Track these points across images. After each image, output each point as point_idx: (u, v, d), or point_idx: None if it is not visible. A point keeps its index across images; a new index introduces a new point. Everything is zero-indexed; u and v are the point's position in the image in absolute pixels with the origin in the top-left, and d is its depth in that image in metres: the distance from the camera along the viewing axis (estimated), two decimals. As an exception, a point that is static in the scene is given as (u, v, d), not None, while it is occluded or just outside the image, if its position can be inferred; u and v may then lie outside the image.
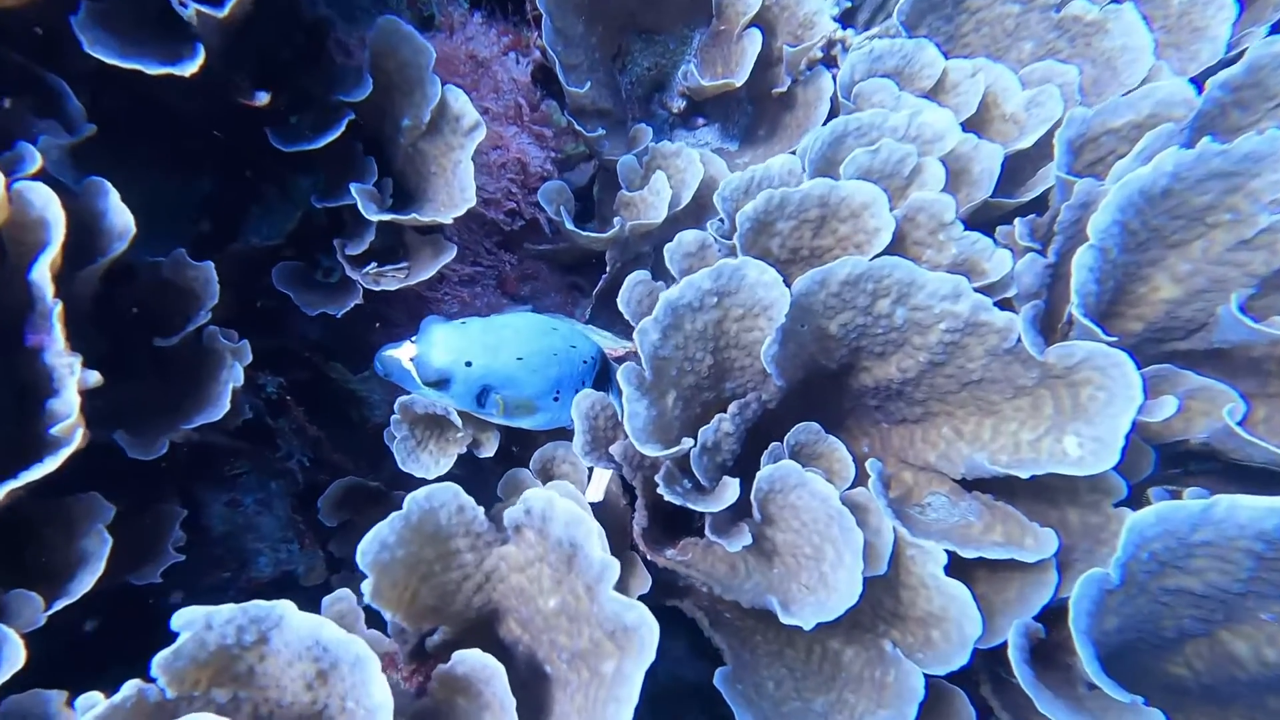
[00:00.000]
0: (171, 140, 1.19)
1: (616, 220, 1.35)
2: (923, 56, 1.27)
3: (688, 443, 0.84)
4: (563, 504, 0.62)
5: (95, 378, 0.62)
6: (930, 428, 1.07)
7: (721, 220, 1.11)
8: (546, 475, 1.13)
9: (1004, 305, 0.88)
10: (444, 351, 0.93)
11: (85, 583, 0.62)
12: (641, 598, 1.07)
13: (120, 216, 0.70)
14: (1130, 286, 0.93)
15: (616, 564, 0.57)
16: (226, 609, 0.52)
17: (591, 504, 1.02)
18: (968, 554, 0.85)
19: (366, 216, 1.01)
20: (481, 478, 1.33)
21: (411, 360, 0.93)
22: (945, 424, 1.04)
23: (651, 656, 0.53)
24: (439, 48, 1.58)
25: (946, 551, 0.86)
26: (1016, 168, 1.24)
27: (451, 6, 1.68)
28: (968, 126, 1.13)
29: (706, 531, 0.86)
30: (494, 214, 1.60)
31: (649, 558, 1.04)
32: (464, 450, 1.06)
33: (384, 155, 1.18)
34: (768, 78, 1.61)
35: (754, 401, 0.97)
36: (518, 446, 1.31)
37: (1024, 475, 0.84)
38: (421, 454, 1.03)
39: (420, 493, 0.61)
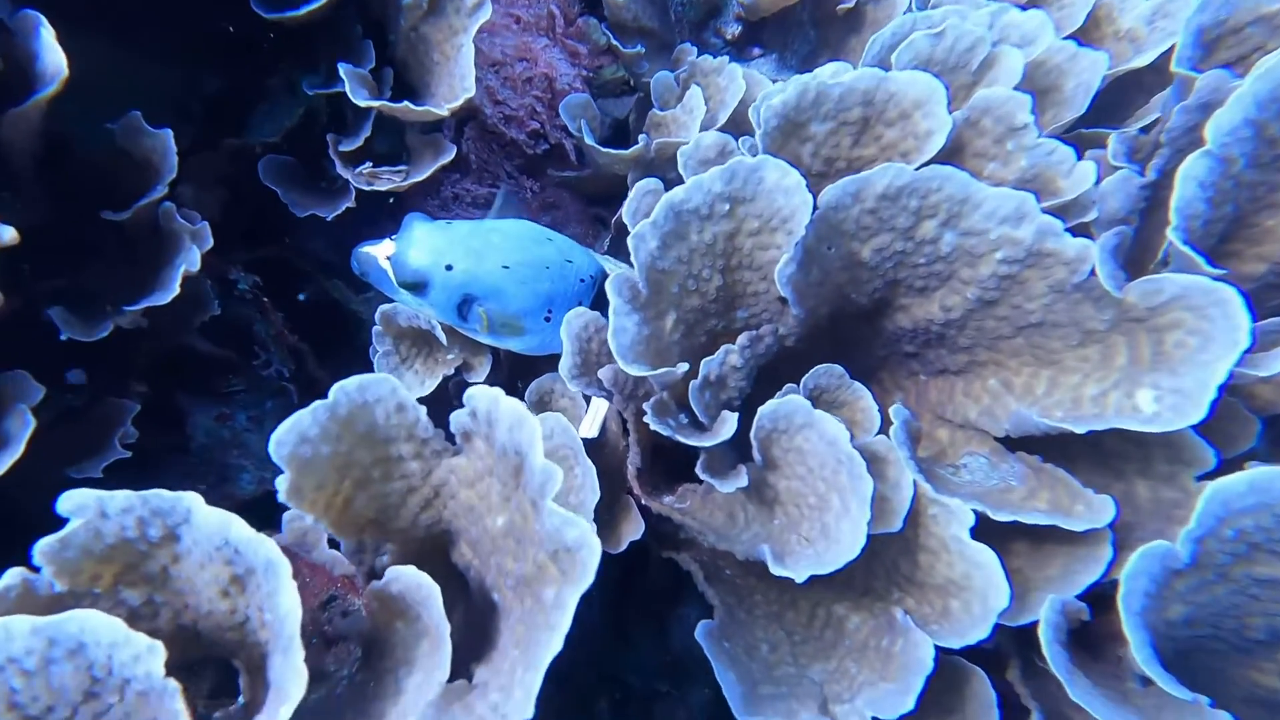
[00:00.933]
0: (179, 32, 1.13)
1: (641, 138, 1.24)
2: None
3: (682, 367, 0.74)
4: (507, 403, 0.54)
5: (10, 234, 0.56)
6: (974, 379, 0.94)
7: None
8: (543, 409, 1.06)
9: (1080, 232, 0.74)
10: (423, 251, 0.85)
11: (2, 463, 0.58)
12: (635, 543, 1.01)
13: (52, 55, 0.63)
14: (1255, 216, 0.77)
15: (558, 472, 0.49)
16: (123, 495, 0.47)
17: (585, 440, 0.94)
18: (1000, 517, 0.73)
19: (355, 101, 0.92)
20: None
21: (388, 259, 0.85)
22: (992, 375, 0.91)
23: (590, 579, 0.45)
24: None
25: (976, 514, 0.76)
26: (1124, 99, 1.07)
27: None
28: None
29: (698, 469, 0.77)
30: (516, 133, 1.50)
31: (644, 502, 0.97)
32: (451, 373, 0.99)
33: (386, 44, 1.09)
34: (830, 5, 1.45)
35: (769, 335, 0.86)
36: (522, 381, 1.25)
37: (1080, 430, 0.71)
38: (405, 372, 0.97)
39: (350, 382, 0.54)
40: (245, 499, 1.22)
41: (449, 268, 0.86)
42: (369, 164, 1.07)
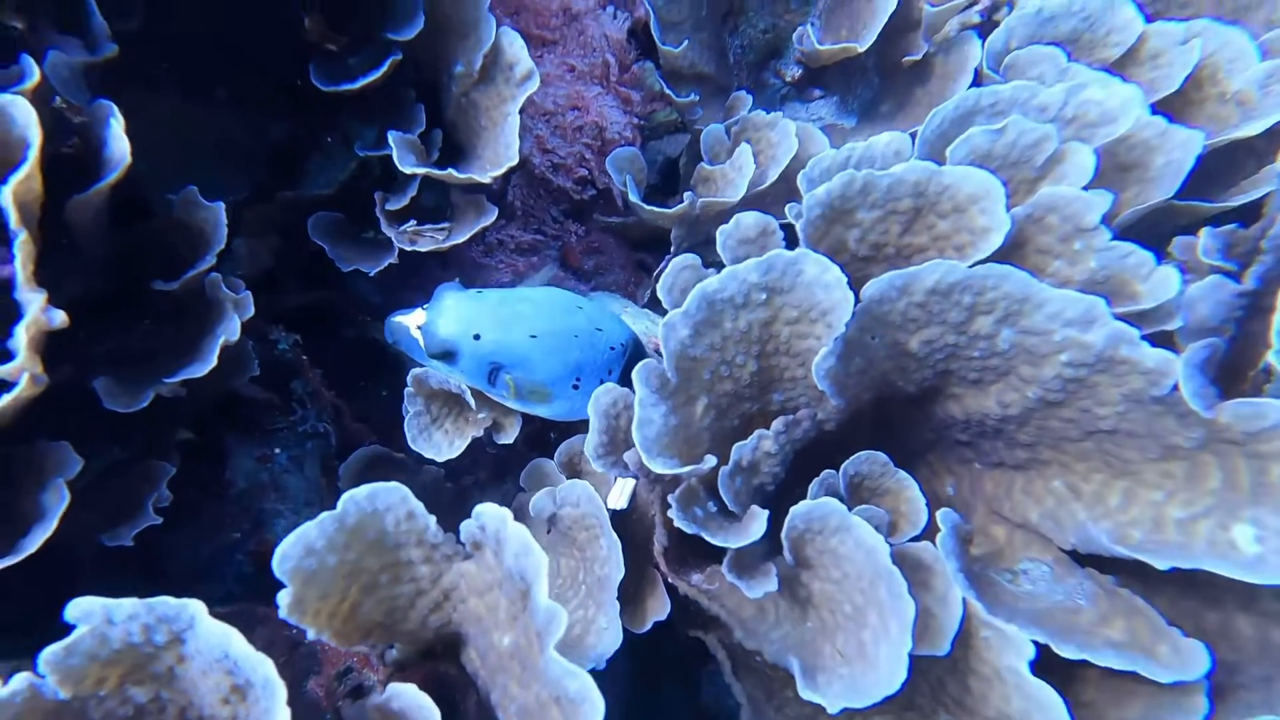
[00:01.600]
0: (248, 83, 1.19)
1: (687, 195, 1.22)
2: (1113, 18, 1.03)
3: (710, 460, 0.71)
4: (515, 529, 0.52)
5: (60, 318, 0.58)
6: (1035, 477, 0.88)
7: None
8: (572, 470, 1.04)
9: (1160, 342, 0.67)
10: (452, 321, 0.86)
11: (35, 540, 0.60)
12: (660, 624, 0.97)
13: (118, 144, 0.66)
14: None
15: (562, 616, 0.46)
16: (129, 604, 0.47)
17: (613, 511, 0.92)
18: (1067, 653, 0.67)
19: (401, 169, 0.94)
20: (511, 461, 1.27)
21: (419, 328, 0.86)
22: (1057, 476, 0.84)
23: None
24: None
25: (1036, 644, 0.69)
26: (1226, 166, 0.98)
27: None
28: (1161, 108, 0.90)
29: (724, 567, 0.74)
30: (563, 180, 1.51)
31: (670, 581, 0.93)
32: (480, 433, 0.99)
33: (439, 106, 1.11)
34: (901, 44, 1.41)
35: (806, 419, 0.82)
36: (556, 433, 1.24)
37: (1161, 566, 0.64)
38: (435, 432, 0.97)
39: (360, 491, 0.53)
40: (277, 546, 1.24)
41: (477, 337, 0.87)
42: (413, 222, 1.09)
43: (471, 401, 0.94)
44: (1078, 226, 0.70)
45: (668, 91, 1.51)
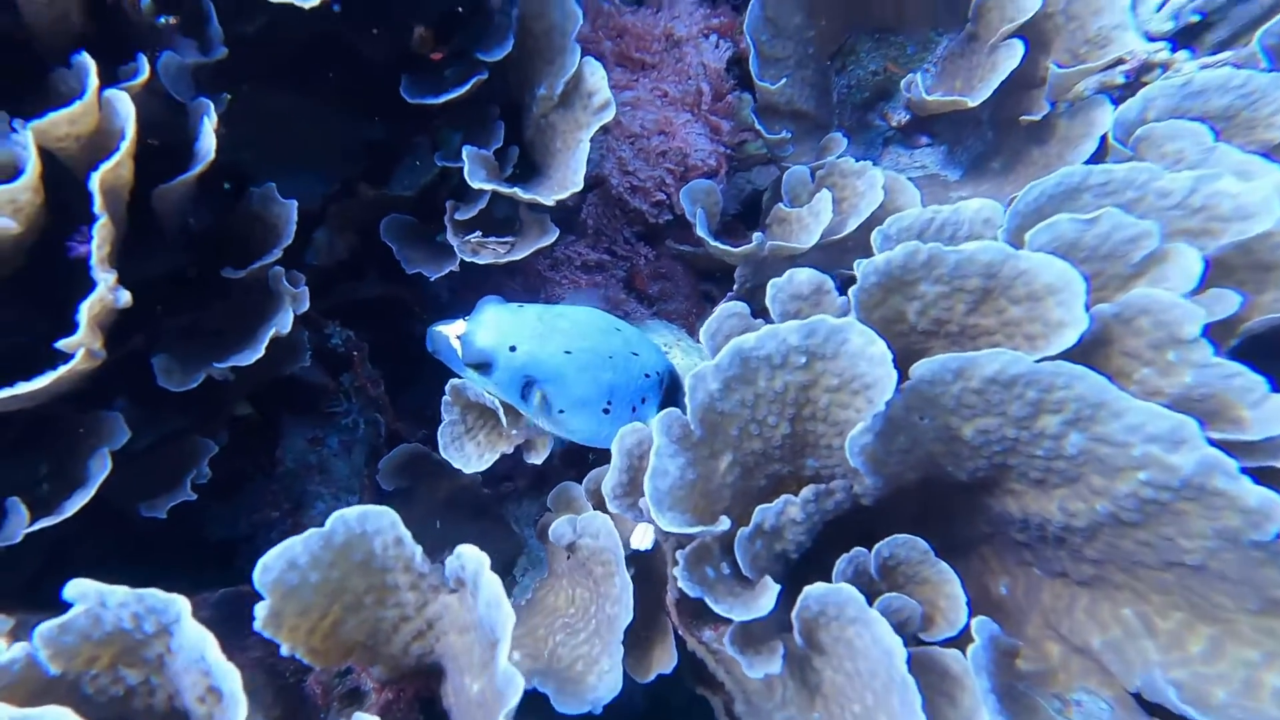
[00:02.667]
0: (354, 85, 1.26)
1: (756, 236, 1.19)
2: (1277, 95, 0.93)
3: (723, 523, 0.68)
4: (489, 578, 0.51)
5: (126, 299, 0.63)
6: (1102, 599, 0.78)
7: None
8: (599, 499, 1.03)
9: (1266, 480, 0.59)
10: (490, 332, 0.88)
11: (74, 504, 0.64)
12: (663, 677, 0.94)
13: (207, 140, 0.71)
14: None
15: (518, 685, 0.44)
16: (122, 591, 0.50)
17: (636, 551, 0.90)
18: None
19: (469, 182, 0.97)
20: (550, 474, 1.27)
21: (458, 338, 0.88)
22: (1128, 604, 0.75)
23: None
24: (637, 22, 1.53)
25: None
26: None
27: None
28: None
29: (726, 640, 0.70)
30: (640, 203, 1.51)
31: (680, 634, 0.90)
32: (510, 450, 0.99)
33: (520, 124, 1.14)
34: (1021, 101, 1.33)
35: (840, 491, 0.77)
36: (594, 454, 1.23)
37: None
38: (468, 443, 0.98)
39: (351, 512, 0.54)
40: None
41: (513, 349, 0.88)
42: (478, 233, 1.12)
43: (504, 418, 0.94)
44: (1173, 335, 0.62)
45: (758, 126, 1.49)
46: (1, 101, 0.68)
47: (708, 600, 0.68)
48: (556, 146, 1.04)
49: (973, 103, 1.35)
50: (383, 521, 0.54)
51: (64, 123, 0.60)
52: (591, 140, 1.56)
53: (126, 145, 0.63)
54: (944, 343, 0.73)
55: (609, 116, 0.95)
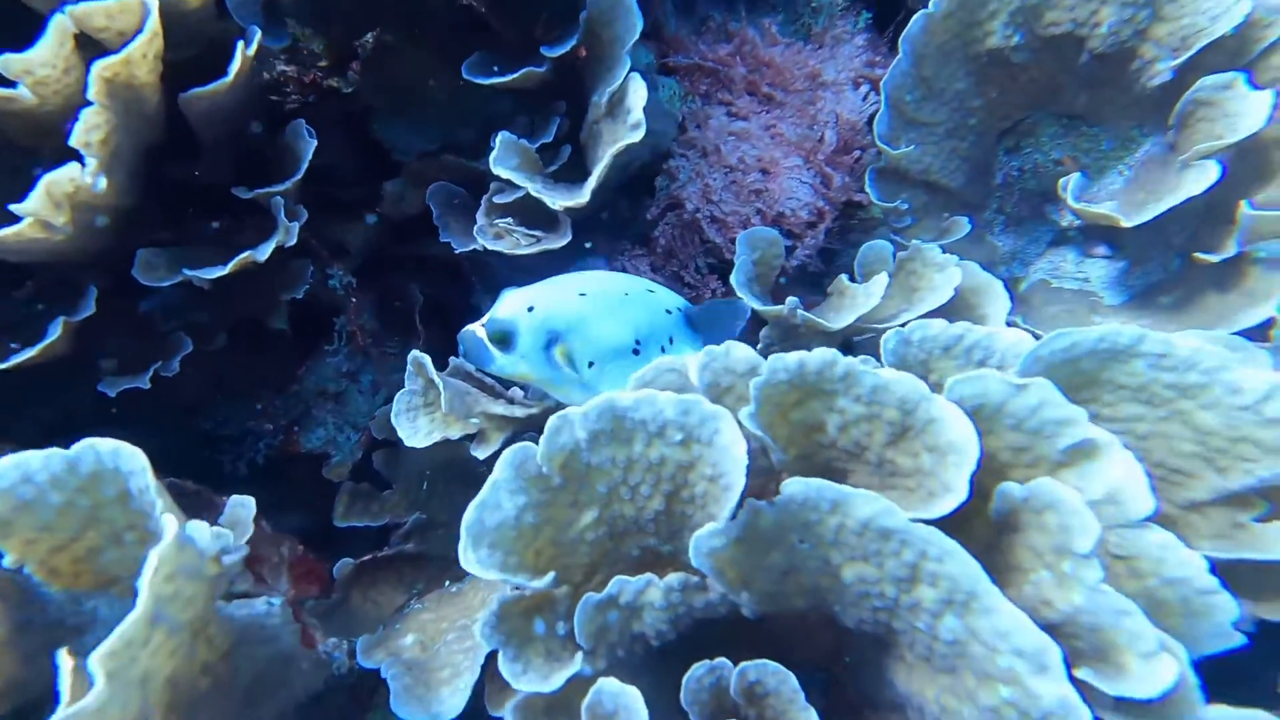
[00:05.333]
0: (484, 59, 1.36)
1: (790, 300, 1.16)
2: None
3: (546, 580, 0.67)
4: (164, 546, 0.55)
5: (102, 185, 0.75)
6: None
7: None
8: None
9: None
10: (508, 305, 0.93)
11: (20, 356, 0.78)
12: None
13: (236, 62, 0.83)
14: None
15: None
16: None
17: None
18: None
19: (493, 167, 1.04)
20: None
21: (482, 326, 0.93)
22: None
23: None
24: (781, 56, 1.55)
25: None
26: None
27: (844, 20, 1.64)
28: None
29: (507, 709, 0.70)
30: (716, 235, 1.52)
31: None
32: (457, 436, 1.05)
33: (582, 125, 1.19)
34: (1211, 236, 1.18)
35: (716, 594, 0.74)
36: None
37: None
38: (421, 415, 1.05)
39: (105, 444, 0.59)
40: (302, 452, 1.42)
41: (531, 309, 0.93)
42: (509, 220, 1.18)
43: (445, 402, 0.98)
44: (1069, 544, 0.53)
45: (869, 188, 1.45)
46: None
47: (502, 657, 0.67)
48: (598, 154, 1.08)
49: (1127, 223, 1.24)
50: (135, 464, 0.60)
51: (100, 14, 0.74)
52: (682, 161, 1.59)
53: (136, 42, 0.75)
54: (866, 470, 0.68)
55: (637, 137, 0.97)
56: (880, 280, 1.13)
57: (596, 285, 0.97)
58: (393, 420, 1.05)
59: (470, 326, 0.95)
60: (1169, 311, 1.26)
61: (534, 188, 1.01)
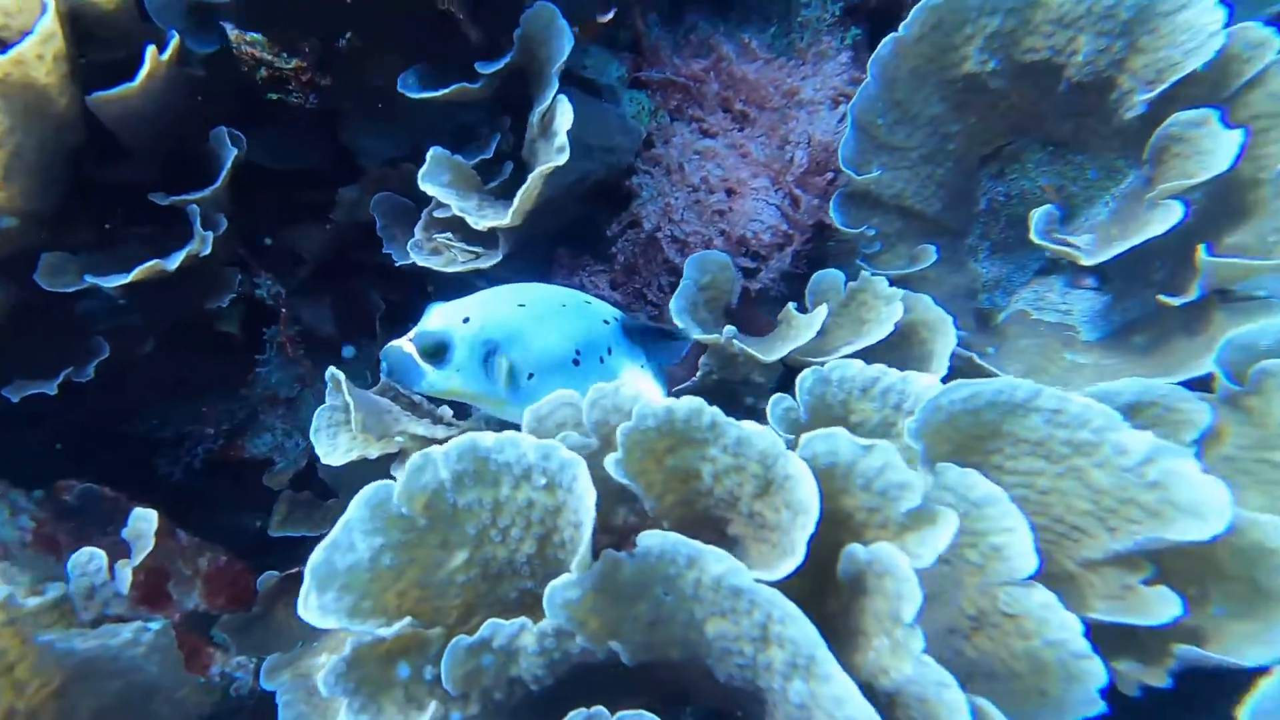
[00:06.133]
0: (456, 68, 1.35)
1: (726, 330, 1.13)
2: None
3: (397, 627, 0.65)
4: None
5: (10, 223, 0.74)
6: None
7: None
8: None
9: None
10: (440, 317, 0.90)
11: None
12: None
13: (146, 65, 0.81)
14: None
15: None
16: None
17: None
18: None
19: (419, 182, 1.02)
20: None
21: (410, 340, 0.89)
22: None
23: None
24: (758, 72, 1.52)
25: None
26: None
27: (830, 36, 1.62)
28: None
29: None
30: (676, 256, 1.50)
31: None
32: (375, 456, 1.03)
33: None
34: (1180, 277, 1.14)
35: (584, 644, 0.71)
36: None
37: None
38: (342, 432, 1.04)
39: None
40: (245, 458, 1.42)
41: (466, 320, 0.89)
42: (450, 235, 1.17)
43: (355, 419, 0.96)
44: (898, 613, 0.50)
45: (833, 214, 1.42)
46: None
47: (346, 709, 0.65)
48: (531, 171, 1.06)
49: (1087, 260, 1.20)
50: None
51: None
52: (646, 178, 1.57)
53: (27, 43, 0.74)
54: (741, 521, 0.66)
55: (562, 160, 0.95)
56: (820, 312, 1.11)
57: (533, 296, 0.96)
58: (311, 436, 1.04)
59: (394, 342, 0.91)
60: (1139, 352, 1.22)
61: (458, 206, 1.00)
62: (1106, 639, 0.60)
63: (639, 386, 1.05)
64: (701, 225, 1.50)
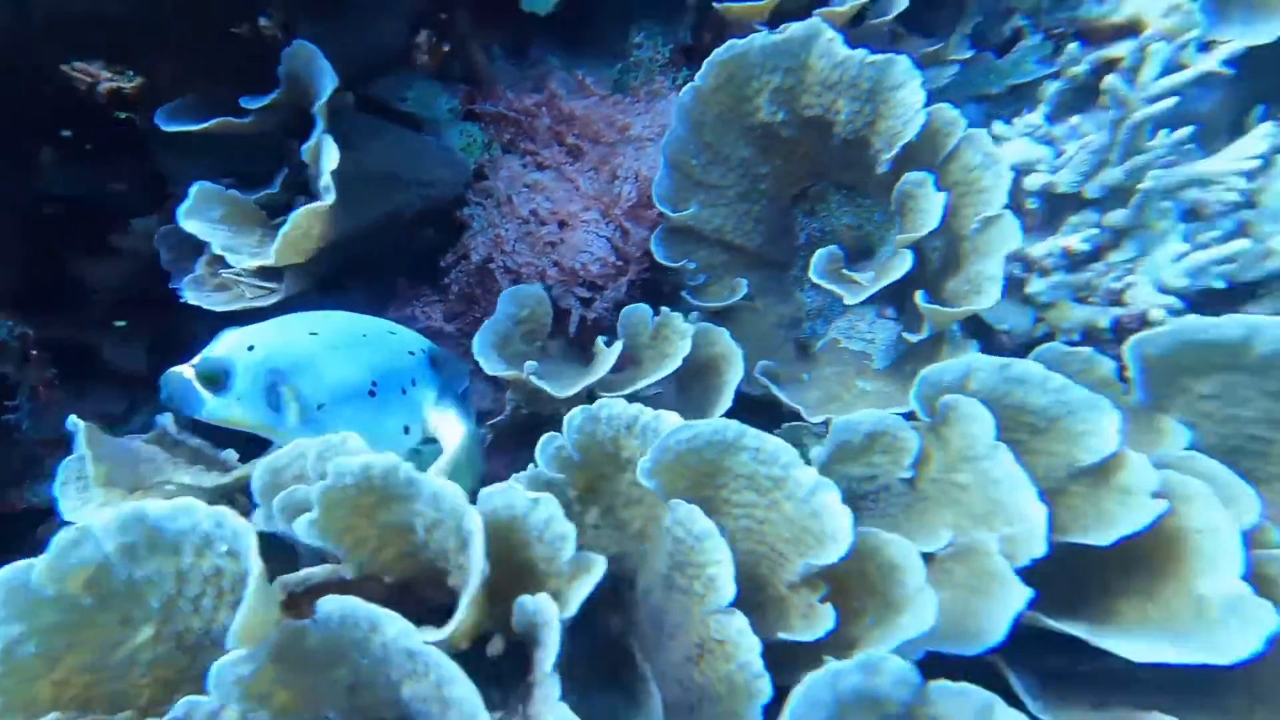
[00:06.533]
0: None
1: (529, 365, 1.12)
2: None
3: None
4: None
5: None
6: None
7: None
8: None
9: None
10: (225, 343, 0.84)
11: None
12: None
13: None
14: None
15: None
16: None
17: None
18: None
19: (177, 218, 0.97)
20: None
21: (192, 367, 0.83)
22: None
23: None
24: (589, 109, 1.53)
25: None
26: None
27: (663, 77, 1.65)
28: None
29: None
30: (508, 285, 1.48)
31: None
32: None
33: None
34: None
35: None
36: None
37: None
38: (94, 486, 0.95)
39: None
40: (21, 509, 1.28)
41: (251, 349, 0.84)
42: (241, 269, 1.11)
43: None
44: (543, 664, 0.49)
45: (653, 247, 1.43)
46: None
47: None
48: (310, 210, 1.02)
49: (850, 299, 1.26)
50: None
51: None
52: (478, 209, 1.55)
53: None
54: (456, 573, 0.63)
55: (330, 199, 0.92)
56: (615, 348, 1.12)
57: (329, 325, 0.92)
58: (56, 492, 0.95)
59: (175, 368, 0.85)
60: (907, 380, 1.30)
61: (222, 244, 0.95)
62: (786, 656, 0.65)
63: (435, 422, 1.02)
64: (534, 256, 1.49)
